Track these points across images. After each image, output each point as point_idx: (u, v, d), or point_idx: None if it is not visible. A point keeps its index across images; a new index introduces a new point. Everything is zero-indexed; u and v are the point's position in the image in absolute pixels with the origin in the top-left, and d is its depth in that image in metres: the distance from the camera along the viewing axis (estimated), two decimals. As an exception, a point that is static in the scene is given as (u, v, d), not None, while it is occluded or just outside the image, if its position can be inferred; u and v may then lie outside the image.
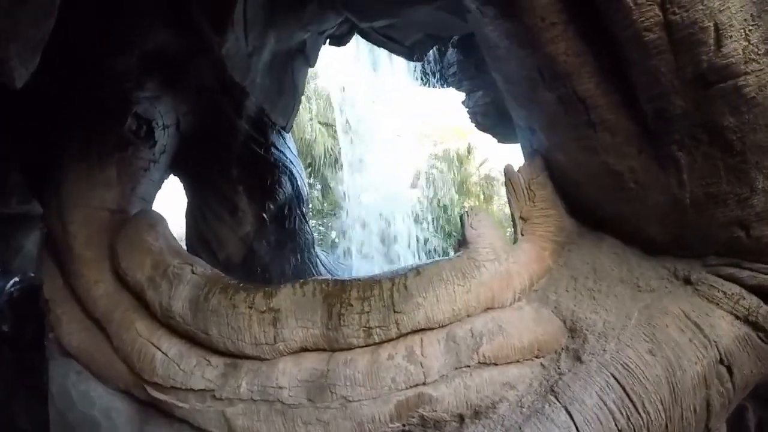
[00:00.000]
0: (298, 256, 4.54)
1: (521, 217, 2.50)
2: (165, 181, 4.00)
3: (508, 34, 2.23)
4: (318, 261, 4.75)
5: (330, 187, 7.83)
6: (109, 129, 2.92)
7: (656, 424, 1.91)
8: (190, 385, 2.29)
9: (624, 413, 1.91)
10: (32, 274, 2.88)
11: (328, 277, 4.57)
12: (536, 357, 2.17)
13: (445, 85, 4.36)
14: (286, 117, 3.97)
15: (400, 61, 4.54)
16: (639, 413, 1.90)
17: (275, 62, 3.75)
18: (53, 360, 2.59)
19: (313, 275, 4.50)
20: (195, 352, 2.36)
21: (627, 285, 2.27)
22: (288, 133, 4.15)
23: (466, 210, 2.55)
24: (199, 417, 2.27)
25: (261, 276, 4.19)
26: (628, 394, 1.93)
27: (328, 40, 4.06)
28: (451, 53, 4.16)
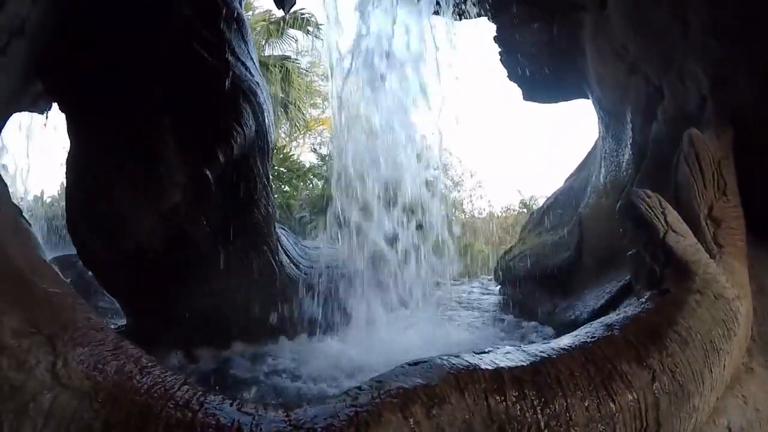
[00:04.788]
0: (262, 246, 2.67)
1: (712, 217, 1.56)
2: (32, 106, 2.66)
3: None
4: (279, 248, 2.89)
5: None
6: None
7: None
8: None
9: None
10: None
11: (294, 273, 2.95)
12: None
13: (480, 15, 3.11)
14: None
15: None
16: None
17: None
18: None
19: (277, 278, 2.77)
20: None
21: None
22: (287, 10, 2.24)
23: (639, 194, 1.49)
24: None
25: (196, 282, 2.40)
26: None
27: None
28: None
